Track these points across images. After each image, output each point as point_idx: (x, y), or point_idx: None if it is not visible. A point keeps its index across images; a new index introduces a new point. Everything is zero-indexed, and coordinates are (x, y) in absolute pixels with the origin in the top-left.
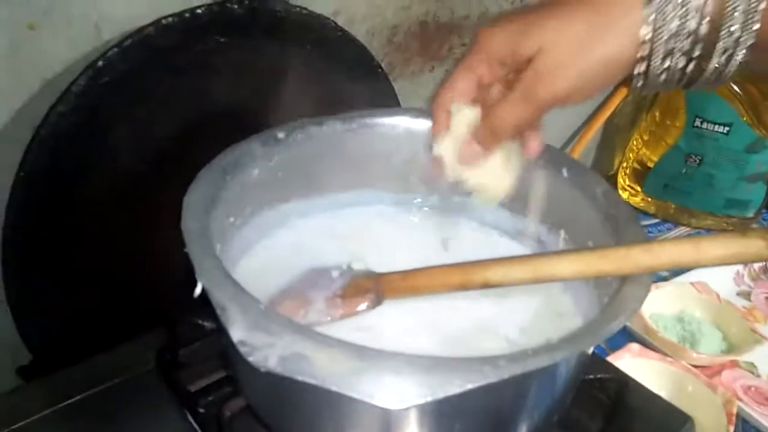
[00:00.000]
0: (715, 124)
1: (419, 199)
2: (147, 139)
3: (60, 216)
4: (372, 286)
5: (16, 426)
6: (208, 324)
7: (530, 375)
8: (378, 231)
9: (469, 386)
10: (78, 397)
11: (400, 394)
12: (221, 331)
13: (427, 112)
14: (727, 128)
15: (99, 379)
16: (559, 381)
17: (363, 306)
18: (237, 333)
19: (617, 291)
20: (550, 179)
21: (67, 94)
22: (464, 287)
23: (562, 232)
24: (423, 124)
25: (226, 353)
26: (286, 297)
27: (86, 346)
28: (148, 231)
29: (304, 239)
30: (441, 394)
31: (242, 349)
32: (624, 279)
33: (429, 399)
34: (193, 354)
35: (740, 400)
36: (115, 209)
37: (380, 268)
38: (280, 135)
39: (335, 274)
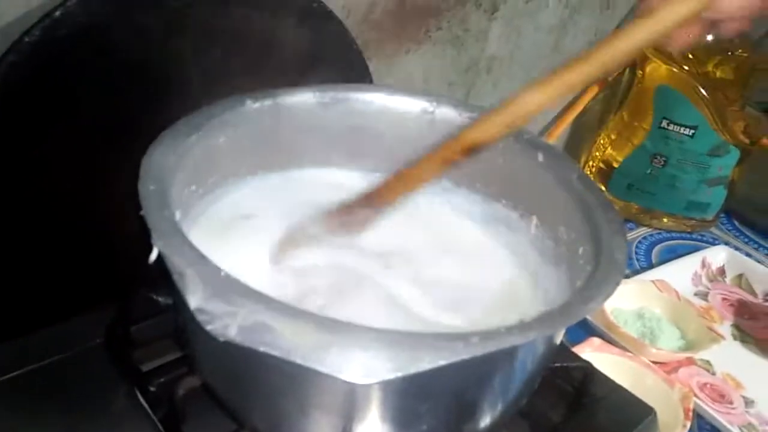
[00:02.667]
0: (681, 126)
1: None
2: (106, 100)
3: (8, 175)
4: (364, 201)
5: None
6: (162, 299)
7: (502, 354)
8: None
9: (441, 362)
10: (18, 372)
11: (369, 369)
12: (177, 303)
13: (403, 89)
14: (692, 131)
15: (42, 354)
16: (529, 363)
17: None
18: (195, 300)
19: (591, 274)
20: (524, 163)
21: (20, 44)
22: (451, 161)
23: (534, 218)
24: (398, 102)
25: (182, 327)
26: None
27: (31, 319)
28: (103, 198)
29: (269, 214)
30: (411, 370)
31: (200, 318)
32: (598, 263)
33: (399, 374)
34: (145, 331)
35: (696, 396)
36: (68, 173)
37: (346, 248)
38: (249, 102)
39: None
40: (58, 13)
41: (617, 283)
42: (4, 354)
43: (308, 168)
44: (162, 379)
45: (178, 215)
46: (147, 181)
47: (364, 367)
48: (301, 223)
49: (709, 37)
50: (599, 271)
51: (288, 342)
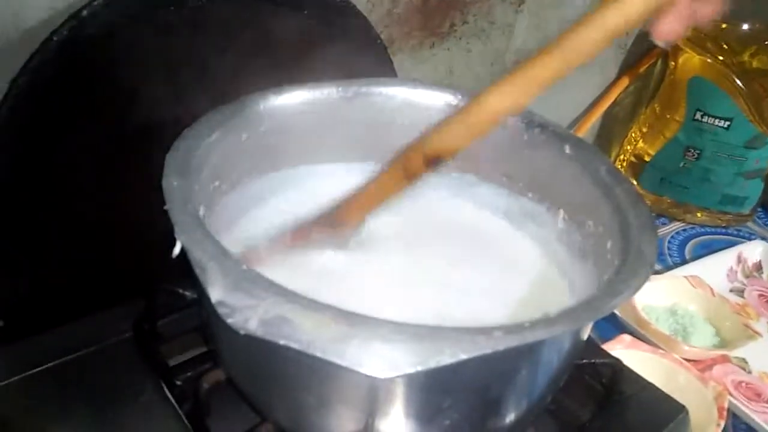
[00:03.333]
0: (715, 118)
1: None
2: (132, 98)
3: (35, 174)
4: (327, 220)
5: None
6: (188, 293)
7: (526, 349)
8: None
9: (463, 356)
10: (49, 365)
11: (389, 362)
12: (200, 297)
13: (427, 83)
14: (727, 123)
15: (72, 347)
16: (554, 359)
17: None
18: (216, 293)
19: (619, 268)
20: (551, 156)
21: (47, 44)
22: (414, 175)
23: (562, 212)
24: (421, 96)
25: (206, 321)
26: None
27: (60, 314)
28: (129, 195)
29: (294, 211)
30: (432, 364)
31: (221, 311)
32: (626, 257)
33: (419, 368)
34: (172, 325)
35: (731, 395)
36: (94, 170)
37: (375, 243)
38: (272, 98)
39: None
40: (85, 13)
41: (646, 277)
42: (34, 347)
43: (332, 163)
44: (188, 374)
45: (202, 210)
46: (171, 176)
47: (384, 361)
48: (261, 242)
49: (745, 27)
50: (627, 265)
51: (308, 335)
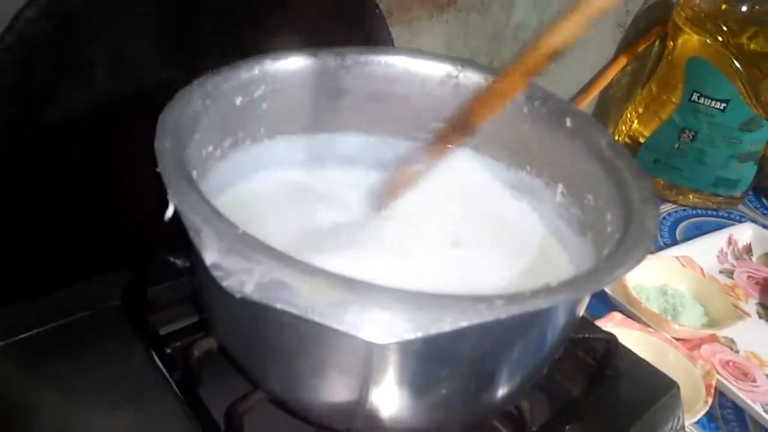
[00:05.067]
0: (712, 99)
1: (412, 146)
2: (125, 59)
3: (23, 135)
4: (457, 122)
5: None
6: (179, 262)
7: (526, 319)
8: (366, 176)
9: (463, 324)
10: (36, 330)
11: (388, 328)
12: (194, 262)
13: (426, 53)
14: (724, 104)
15: (60, 313)
16: (553, 331)
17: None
18: (211, 256)
19: (621, 240)
20: (551, 129)
21: (35, 1)
22: (535, 71)
23: (560, 186)
24: (421, 66)
25: (199, 288)
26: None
27: (47, 281)
28: (120, 160)
29: (286, 180)
30: (432, 331)
31: (216, 274)
32: (627, 229)
33: (419, 335)
34: (162, 294)
35: (718, 374)
36: (84, 134)
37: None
38: (268, 62)
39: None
40: None
41: (647, 250)
42: (22, 312)
43: (327, 132)
44: (178, 342)
45: (194, 175)
46: (163, 138)
47: (383, 327)
48: (398, 166)
49: (744, 8)
50: (629, 238)
51: (305, 299)
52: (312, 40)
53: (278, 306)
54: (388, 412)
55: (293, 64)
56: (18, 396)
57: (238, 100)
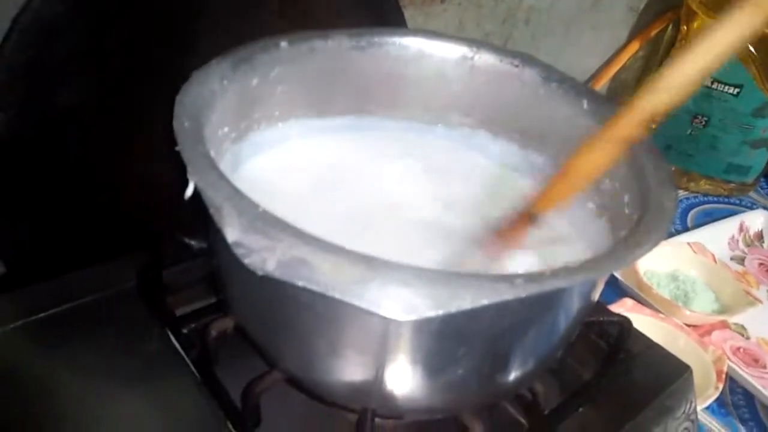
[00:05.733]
0: (726, 84)
1: (424, 129)
2: (140, 41)
3: (37, 115)
4: (524, 210)
5: None
6: (194, 243)
7: (545, 299)
8: (380, 160)
9: (483, 302)
10: (53, 311)
11: (409, 305)
12: (213, 240)
13: (441, 34)
14: (737, 89)
15: (76, 294)
16: (569, 313)
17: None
18: (233, 234)
19: (639, 220)
20: (568, 111)
21: None
22: (631, 139)
23: None
24: (436, 47)
25: (217, 267)
26: None
27: (64, 261)
28: (134, 142)
29: (301, 162)
30: (453, 309)
31: (238, 251)
32: (645, 210)
33: (440, 312)
34: (177, 275)
35: (729, 360)
36: (99, 115)
37: (382, 200)
38: (283, 44)
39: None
40: None
41: (666, 230)
42: (39, 293)
43: (342, 115)
44: (194, 324)
45: (211, 154)
46: (182, 117)
47: (404, 304)
48: (460, 259)
49: None
50: (647, 218)
51: (327, 277)
52: (325, 22)
53: (299, 283)
54: (404, 391)
55: (308, 45)
56: (34, 376)
57: (254, 81)
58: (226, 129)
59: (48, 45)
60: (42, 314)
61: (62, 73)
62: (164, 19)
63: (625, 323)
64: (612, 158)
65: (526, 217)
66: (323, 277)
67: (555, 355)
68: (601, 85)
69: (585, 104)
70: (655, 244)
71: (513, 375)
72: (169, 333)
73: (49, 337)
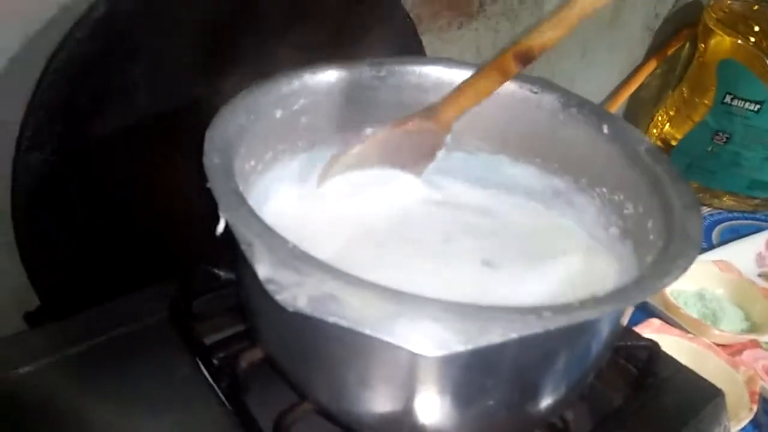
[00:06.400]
0: (746, 101)
1: (444, 156)
2: (168, 74)
3: (72, 152)
4: (430, 114)
5: (21, 370)
6: (224, 274)
7: (574, 330)
8: (401, 186)
9: (512, 336)
10: (86, 344)
11: (438, 340)
12: (243, 275)
13: (460, 63)
14: (758, 106)
15: (108, 327)
16: (598, 341)
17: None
18: (264, 270)
19: (664, 248)
20: (588, 136)
21: (86, 20)
22: (508, 71)
23: (598, 193)
24: (455, 75)
25: (246, 300)
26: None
27: (96, 294)
28: (164, 174)
29: (324, 192)
30: (482, 343)
31: (269, 288)
32: (671, 237)
33: (469, 347)
34: (207, 305)
35: (762, 380)
36: (130, 148)
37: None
38: (306, 76)
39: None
40: None
41: (693, 257)
42: (73, 326)
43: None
44: (225, 353)
45: (241, 188)
46: (212, 153)
47: (433, 339)
48: (352, 145)
49: None
50: (673, 245)
51: (356, 313)
52: (345, 51)
53: (330, 319)
54: (434, 422)
55: (330, 76)
56: (69, 409)
57: (278, 114)
58: (253, 162)
59: (82, 82)
60: (75, 349)
61: (95, 108)
62: (188, 55)
63: (653, 347)
64: (493, 87)
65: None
66: (353, 312)
67: (585, 382)
68: (620, 104)
69: (605, 129)
70: (683, 271)
71: (543, 404)
72: (200, 363)
73: (82, 371)
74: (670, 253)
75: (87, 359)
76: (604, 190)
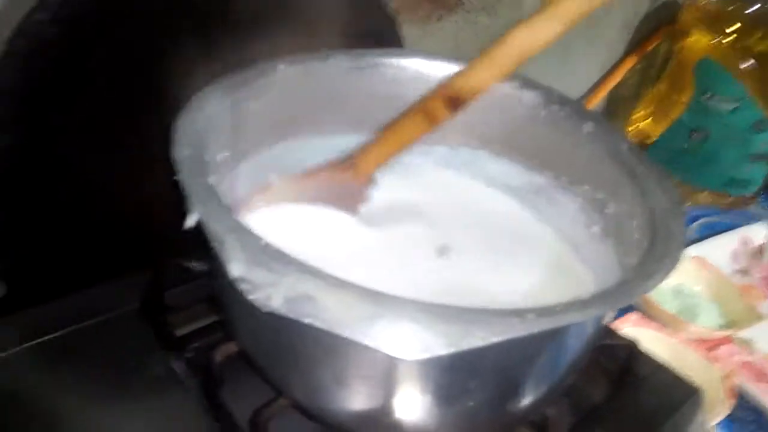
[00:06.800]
0: (722, 100)
1: (423, 149)
2: (132, 61)
3: (34, 140)
4: (348, 165)
5: None
6: (196, 266)
7: (558, 332)
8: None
9: (494, 339)
10: (55, 334)
11: (419, 343)
12: (215, 271)
13: (439, 55)
14: (734, 105)
15: (78, 317)
16: (581, 342)
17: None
18: (236, 269)
19: (649, 249)
20: (570, 134)
21: (46, 2)
22: (436, 117)
23: (580, 191)
24: (434, 68)
25: (219, 294)
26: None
27: (64, 285)
28: (131, 164)
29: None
30: (464, 346)
31: (243, 287)
32: (654, 237)
33: (451, 350)
34: (179, 296)
35: (738, 376)
36: (95, 136)
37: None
38: (281, 67)
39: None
40: None
41: (677, 258)
42: (42, 316)
43: (340, 135)
44: (197, 344)
45: (212, 181)
46: (181, 145)
47: (412, 342)
48: (273, 179)
49: (753, 8)
50: (657, 246)
51: (334, 314)
52: (322, 42)
53: (306, 320)
54: (414, 420)
55: (306, 67)
56: (38, 400)
57: (252, 105)
58: (225, 153)
59: (41, 67)
60: (44, 338)
61: (54, 94)
62: (155, 42)
63: (632, 347)
64: (418, 133)
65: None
66: (330, 314)
67: (566, 381)
68: (599, 99)
69: (587, 127)
70: (668, 273)
71: (524, 403)
72: (173, 357)
73: (53, 361)
74: (655, 254)
75: (57, 349)
76: (586, 188)
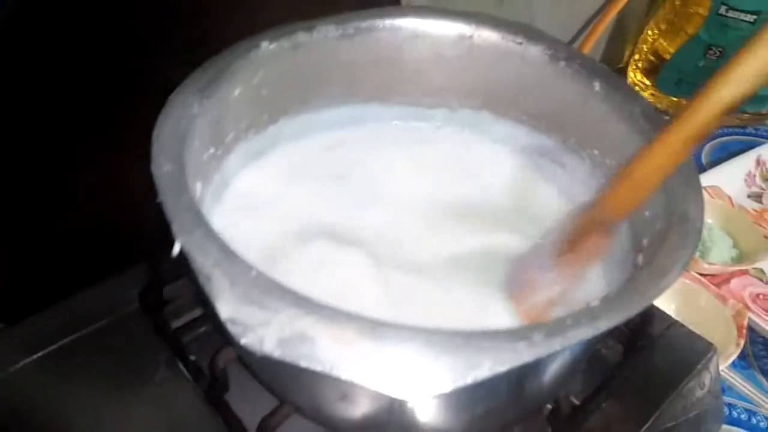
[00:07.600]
0: (741, 12)
1: (425, 114)
2: (114, 46)
3: (23, 133)
4: (593, 217)
5: None
6: None
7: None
8: (381, 150)
9: (502, 368)
10: (57, 345)
11: (422, 382)
12: (204, 301)
13: (435, 11)
14: (754, 17)
15: (78, 324)
16: (593, 345)
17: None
18: (225, 309)
19: (661, 240)
20: (578, 93)
21: None
22: (694, 140)
23: (588, 155)
24: (430, 26)
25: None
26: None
27: (58, 287)
28: (121, 157)
29: (298, 163)
30: (469, 380)
31: (233, 330)
32: (669, 222)
33: (458, 385)
34: (179, 291)
35: (748, 308)
36: (84, 128)
37: (389, 190)
38: (264, 43)
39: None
40: None
41: (694, 248)
42: (43, 325)
43: (333, 107)
44: (200, 347)
45: (198, 186)
46: (161, 159)
47: (416, 381)
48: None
49: None
50: (671, 236)
51: (331, 354)
52: (307, 12)
53: (302, 364)
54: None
55: (291, 41)
56: (46, 411)
57: (237, 91)
58: (212, 150)
59: (27, 50)
60: (48, 348)
61: (34, 80)
62: (146, 20)
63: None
64: (680, 159)
65: (595, 225)
66: (326, 354)
67: (580, 368)
68: (607, 22)
69: (597, 85)
70: (685, 265)
71: (535, 401)
72: (178, 360)
73: (58, 371)
74: (669, 245)
75: (59, 360)
76: (596, 152)
